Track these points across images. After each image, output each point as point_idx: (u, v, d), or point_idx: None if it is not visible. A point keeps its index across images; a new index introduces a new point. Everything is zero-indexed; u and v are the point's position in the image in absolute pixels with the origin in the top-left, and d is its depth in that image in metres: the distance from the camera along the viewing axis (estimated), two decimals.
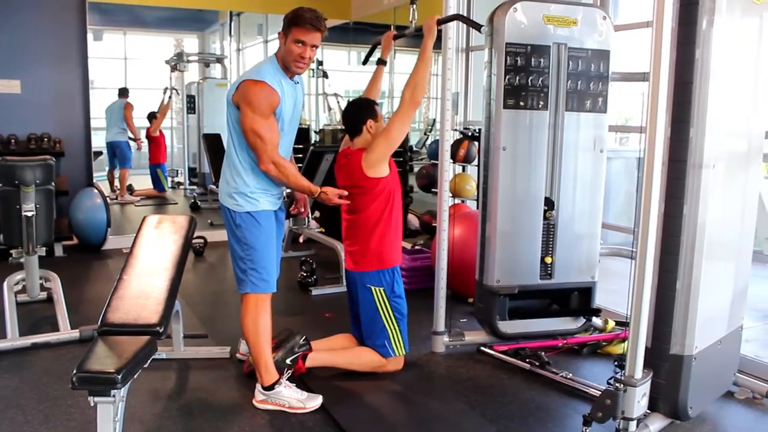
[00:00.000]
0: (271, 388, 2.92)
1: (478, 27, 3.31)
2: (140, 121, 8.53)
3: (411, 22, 3.38)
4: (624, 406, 2.38)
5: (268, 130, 2.80)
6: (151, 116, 8.68)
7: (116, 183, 8.37)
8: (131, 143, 8.39)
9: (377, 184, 3.11)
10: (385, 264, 3.18)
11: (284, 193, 3.15)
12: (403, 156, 6.23)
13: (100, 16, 7.23)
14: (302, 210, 3.45)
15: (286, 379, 2.98)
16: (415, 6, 3.37)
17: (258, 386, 2.96)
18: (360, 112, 3.21)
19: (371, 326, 3.21)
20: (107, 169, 8.29)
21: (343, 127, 3.29)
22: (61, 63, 6.04)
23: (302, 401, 2.90)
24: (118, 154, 8.23)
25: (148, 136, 8.65)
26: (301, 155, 7.07)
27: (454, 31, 3.54)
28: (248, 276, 2.94)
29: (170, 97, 8.66)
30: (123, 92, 8.28)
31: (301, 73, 2.94)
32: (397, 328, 3.21)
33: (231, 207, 2.94)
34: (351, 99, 8.65)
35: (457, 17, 3.43)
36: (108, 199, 6.13)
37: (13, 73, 5.86)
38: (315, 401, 2.92)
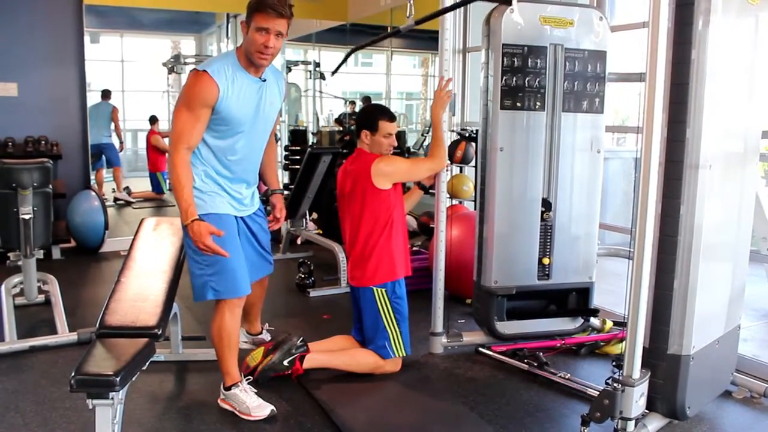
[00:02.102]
0: (229, 389, 2.90)
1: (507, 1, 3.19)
2: (136, 123, 8.53)
3: (408, 17, 3.38)
4: (622, 406, 2.38)
5: (184, 121, 2.61)
6: (153, 120, 8.68)
7: (105, 184, 8.39)
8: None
9: (378, 194, 3.15)
10: (384, 279, 3.20)
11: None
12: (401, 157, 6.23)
13: (97, 18, 7.25)
14: (278, 216, 3.22)
15: (248, 384, 2.94)
16: (412, 1, 3.38)
17: (221, 385, 2.95)
18: (360, 122, 3.30)
19: (374, 327, 3.22)
20: (94, 171, 8.31)
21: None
22: (58, 65, 6.02)
23: (250, 408, 2.82)
24: (107, 155, 8.26)
25: (149, 142, 8.64)
26: (298, 157, 7.11)
27: (451, 32, 3.54)
28: (208, 283, 2.79)
29: None
30: (106, 94, 8.30)
31: (264, 64, 2.71)
32: (397, 329, 3.22)
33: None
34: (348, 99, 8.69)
35: None
36: (103, 199, 6.14)
37: (10, 75, 5.84)
38: (263, 411, 2.82)
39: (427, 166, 3.34)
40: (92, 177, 7.89)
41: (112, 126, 8.33)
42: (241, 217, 2.98)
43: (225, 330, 2.88)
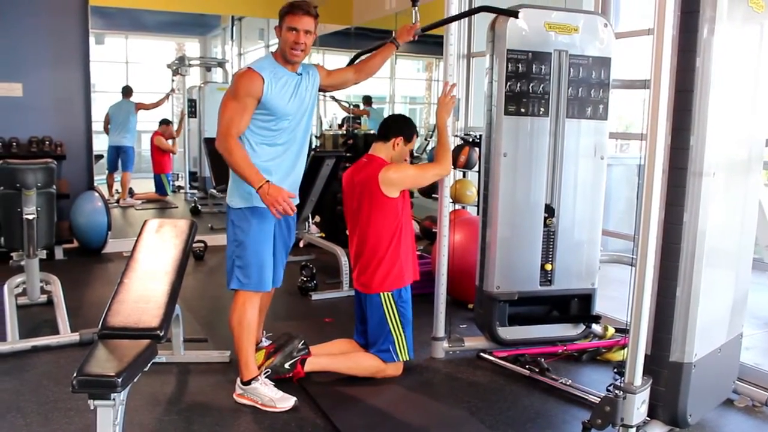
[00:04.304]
0: (248, 383, 2.97)
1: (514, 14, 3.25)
2: (140, 125, 8.52)
3: (414, 23, 3.39)
4: (623, 413, 2.38)
5: (232, 111, 2.82)
6: (165, 122, 8.69)
7: (116, 186, 8.36)
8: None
9: (387, 203, 3.15)
10: (392, 287, 3.21)
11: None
12: None
13: (102, 19, 7.25)
14: None
15: (266, 377, 3.04)
16: (416, 8, 3.38)
17: (238, 380, 3.02)
18: (397, 126, 3.32)
19: (378, 331, 3.22)
20: (107, 172, 8.29)
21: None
22: (63, 66, 6.05)
23: (274, 400, 2.93)
24: (122, 157, 8.21)
25: (152, 143, 8.63)
26: None
27: (455, 37, 3.55)
28: (235, 272, 2.98)
29: (182, 111, 8.76)
30: (127, 91, 8.24)
31: (297, 59, 2.93)
32: (402, 333, 3.23)
33: (230, 203, 3.01)
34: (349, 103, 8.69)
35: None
36: (108, 202, 6.14)
37: (15, 76, 5.87)
38: (287, 402, 2.93)
39: (434, 171, 3.34)
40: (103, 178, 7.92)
41: (136, 127, 8.32)
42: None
43: (245, 319, 2.99)
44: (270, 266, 3.04)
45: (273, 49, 3.03)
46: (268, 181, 2.77)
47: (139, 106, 8.27)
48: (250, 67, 2.89)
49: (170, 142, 8.78)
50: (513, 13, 3.22)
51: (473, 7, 3.39)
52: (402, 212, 3.20)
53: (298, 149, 3.04)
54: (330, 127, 8.71)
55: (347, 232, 3.41)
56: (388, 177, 3.14)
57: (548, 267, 3.49)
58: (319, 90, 3.17)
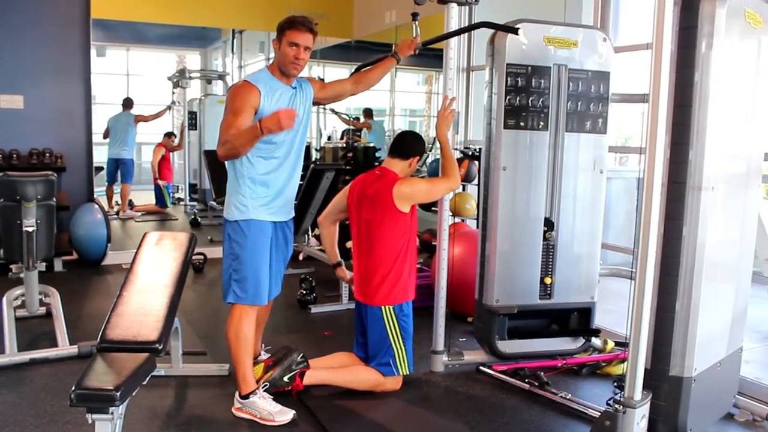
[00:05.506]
0: (246, 397, 2.97)
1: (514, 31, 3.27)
2: (139, 137, 8.55)
3: (415, 37, 3.40)
4: (623, 428, 2.37)
5: (231, 120, 2.81)
6: (169, 134, 8.72)
7: (115, 198, 8.37)
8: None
9: (398, 218, 3.17)
10: (396, 301, 3.21)
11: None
12: None
13: (104, 32, 7.30)
14: None
15: (264, 390, 3.03)
16: (417, 22, 3.40)
17: (236, 394, 3.01)
18: (417, 145, 3.35)
19: (379, 344, 3.22)
20: (106, 184, 8.30)
21: (391, 145, 3.38)
22: (64, 78, 6.08)
23: (273, 414, 2.91)
24: (122, 170, 8.22)
25: (155, 155, 8.66)
26: (302, 172, 7.11)
27: (455, 51, 3.56)
28: (232, 286, 2.98)
29: (182, 123, 8.80)
30: (128, 103, 8.27)
31: (296, 74, 2.98)
32: (403, 346, 3.22)
33: (226, 216, 3.01)
34: (350, 116, 8.73)
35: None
36: (108, 214, 6.15)
37: (17, 88, 5.89)
38: (286, 416, 2.92)
39: (444, 185, 3.33)
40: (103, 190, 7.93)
41: (135, 139, 8.35)
42: (279, 223, 3.09)
43: (242, 333, 2.99)
44: (266, 280, 3.03)
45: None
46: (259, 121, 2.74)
47: (139, 118, 8.29)
48: (246, 79, 2.92)
49: (173, 155, 8.82)
50: (513, 29, 3.24)
51: (473, 22, 3.39)
52: (410, 228, 3.22)
53: (294, 162, 3.06)
54: (330, 139, 8.73)
55: (349, 244, 3.41)
56: (401, 191, 3.15)
57: (548, 280, 3.49)
58: (314, 103, 3.19)
